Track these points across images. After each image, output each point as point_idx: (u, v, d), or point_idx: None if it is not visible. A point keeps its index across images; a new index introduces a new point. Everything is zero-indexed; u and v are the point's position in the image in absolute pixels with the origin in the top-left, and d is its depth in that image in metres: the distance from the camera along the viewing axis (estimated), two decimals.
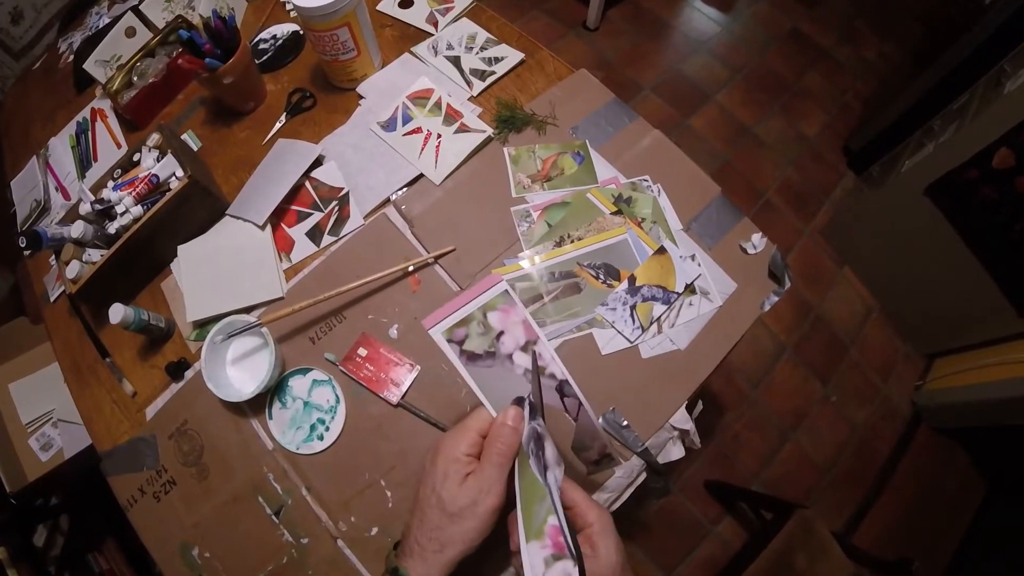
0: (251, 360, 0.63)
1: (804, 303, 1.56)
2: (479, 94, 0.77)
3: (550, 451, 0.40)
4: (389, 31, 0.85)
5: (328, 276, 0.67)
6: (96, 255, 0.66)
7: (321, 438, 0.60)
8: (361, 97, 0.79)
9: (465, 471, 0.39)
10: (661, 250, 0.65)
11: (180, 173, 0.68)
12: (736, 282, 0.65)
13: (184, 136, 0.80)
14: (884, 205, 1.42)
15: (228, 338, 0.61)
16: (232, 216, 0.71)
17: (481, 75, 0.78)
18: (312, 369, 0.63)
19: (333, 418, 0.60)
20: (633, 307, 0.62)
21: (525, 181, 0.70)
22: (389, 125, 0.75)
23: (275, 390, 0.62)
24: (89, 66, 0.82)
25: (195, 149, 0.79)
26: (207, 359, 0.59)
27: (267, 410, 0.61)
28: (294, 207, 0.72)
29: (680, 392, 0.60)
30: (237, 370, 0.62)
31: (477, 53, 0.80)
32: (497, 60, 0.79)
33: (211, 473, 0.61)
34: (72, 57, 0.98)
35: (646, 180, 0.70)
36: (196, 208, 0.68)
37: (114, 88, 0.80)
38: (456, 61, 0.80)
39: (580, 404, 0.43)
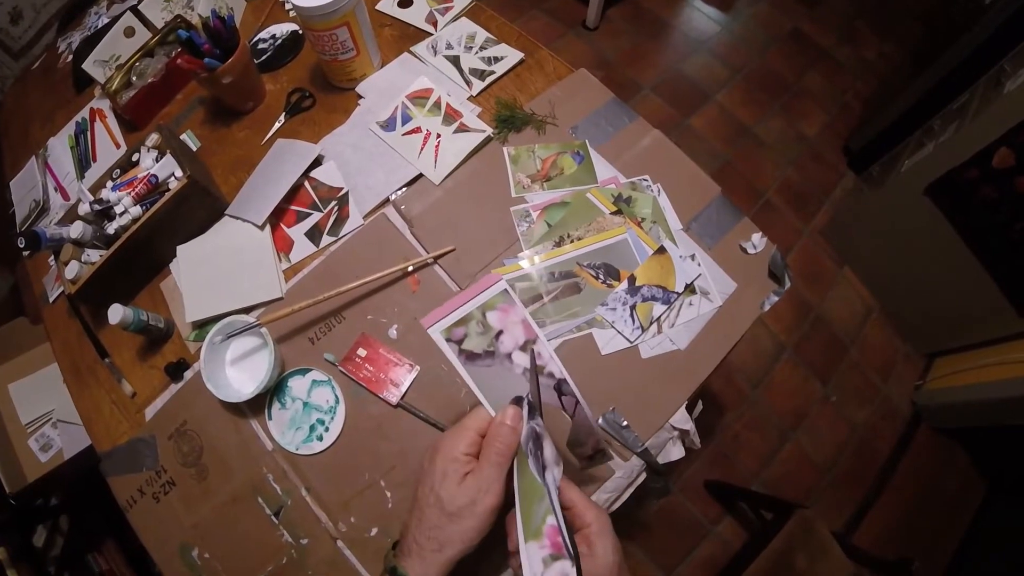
0: (250, 361, 0.62)
1: (804, 303, 1.56)
2: (478, 94, 0.77)
3: (548, 451, 0.40)
4: (388, 31, 0.85)
5: (327, 276, 0.67)
6: (95, 255, 0.65)
7: (320, 439, 0.60)
8: (360, 97, 0.79)
9: (464, 470, 0.39)
10: (661, 250, 0.65)
11: (179, 173, 0.67)
12: (736, 282, 0.65)
13: (183, 136, 0.80)
14: (884, 205, 1.42)
15: (227, 338, 0.61)
16: (231, 216, 0.71)
17: (480, 75, 0.78)
18: (311, 369, 0.62)
19: (332, 419, 0.60)
20: (633, 307, 0.62)
21: (525, 181, 0.70)
22: (388, 125, 0.75)
23: (274, 391, 0.62)
24: (88, 66, 0.81)
25: (194, 149, 0.79)
26: (206, 360, 0.59)
27: (266, 411, 0.61)
28: (293, 207, 0.72)
29: (680, 392, 0.60)
30: (236, 371, 0.62)
31: (476, 53, 0.80)
32: (496, 60, 0.79)
33: (210, 474, 0.61)
34: (71, 57, 0.98)
35: (646, 180, 0.70)
36: (195, 208, 0.68)
37: (113, 88, 0.80)
38: (455, 61, 0.80)
39: (577, 402, 0.43)
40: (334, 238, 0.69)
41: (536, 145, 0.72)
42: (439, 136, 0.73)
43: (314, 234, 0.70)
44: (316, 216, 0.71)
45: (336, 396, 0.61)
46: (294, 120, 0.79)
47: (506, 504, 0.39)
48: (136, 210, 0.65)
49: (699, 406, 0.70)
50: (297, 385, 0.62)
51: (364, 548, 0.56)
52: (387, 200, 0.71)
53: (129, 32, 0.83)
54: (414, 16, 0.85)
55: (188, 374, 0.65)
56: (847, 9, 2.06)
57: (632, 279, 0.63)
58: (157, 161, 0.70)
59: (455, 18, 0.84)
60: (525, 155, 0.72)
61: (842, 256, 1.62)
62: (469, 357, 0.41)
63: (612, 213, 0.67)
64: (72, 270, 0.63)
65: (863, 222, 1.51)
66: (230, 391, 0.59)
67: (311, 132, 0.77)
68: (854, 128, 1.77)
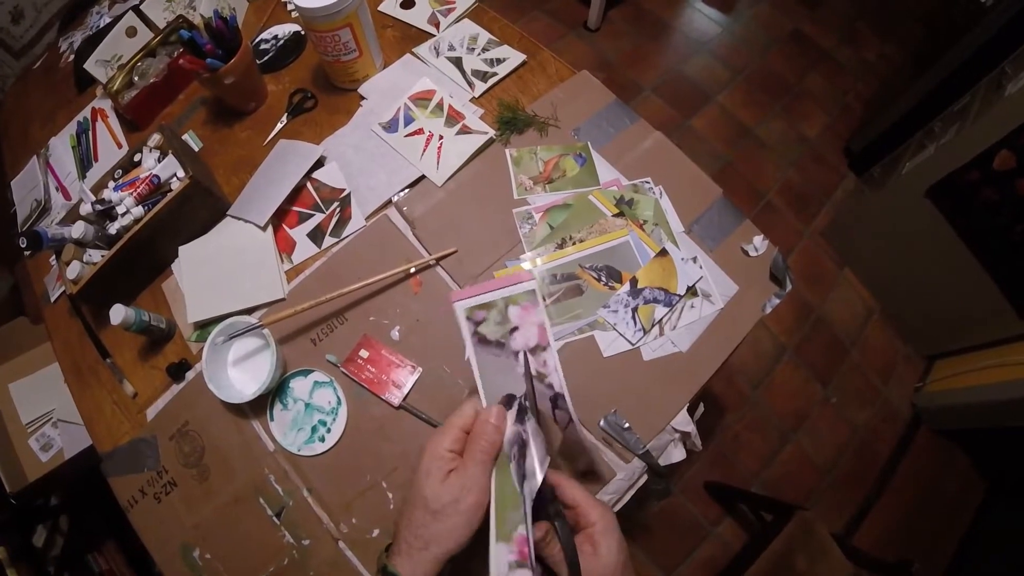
0: (252, 361, 0.62)
1: (805, 304, 1.56)
2: (481, 95, 0.77)
3: (531, 460, 0.39)
4: (391, 32, 0.85)
5: (329, 277, 0.67)
6: (97, 256, 0.65)
7: (322, 439, 0.60)
8: (363, 98, 0.79)
9: (447, 468, 0.38)
10: (663, 252, 0.65)
11: (181, 173, 0.67)
12: (737, 284, 0.65)
13: (185, 136, 0.80)
14: (885, 206, 1.42)
15: (229, 339, 0.61)
16: (233, 217, 0.71)
17: (483, 76, 0.78)
18: (313, 371, 0.62)
19: (334, 420, 0.60)
20: (635, 309, 0.62)
21: (527, 183, 0.70)
22: (391, 126, 0.75)
23: (276, 391, 0.62)
24: (90, 66, 0.81)
25: (196, 149, 0.79)
26: (208, 360, 0.59)
27: (268, 411, 0.61)
28: (295, 208, 0.72)
29: (681, 394, 0.60)
30: (238, 371, 0.62)
31: (479, 54, 0.80)
32: (499, 61, 0.79)
33: (212, 474, 0.61)
34: (73, 57, 0.98)
35: (648, 182, 0.70)
36: (197, 209, 0.68)
37: (115, 88, 0.80)
38: (458, 62, 0.80)
39: (570, 420, 0.42)
40: (336, 239, 0.69)
41: (538, 147, 0.72)
42: (441, 138, 0.73)
43: (316, 235, 0.70)
44: (318, 217, 0.71)
45: (338, 397, 0.61)
46: (296, 121, 0.79)
47: None
48: (138, 210, 0.65)
49: (700, 408, 0.70)
50: (299, 386, 0.62)
51: (366, 549, 0.56)
52: (389, 201, 0.71)
53: (131, 32, 0.83)
54: (416, 17, 0.85)
55: (190, 375, 0.65)
56: (848, 10, 2.06)
57: (634, 281, 0.63)
58: (159, 161, 0.70)
59: (457, 19, 0.84)
60: (527, 157, 0.72)
61: (843, 258, 1.62)
62: (481, 340, 0.42)
63: (614, 215, 0.67)
64: (74, 270, 0.63)
65: (864, 224, 1.51)
66: (232, 392, 0.59)
67: (313, 133, 0.77)
68: (855, 129, 1.77)
